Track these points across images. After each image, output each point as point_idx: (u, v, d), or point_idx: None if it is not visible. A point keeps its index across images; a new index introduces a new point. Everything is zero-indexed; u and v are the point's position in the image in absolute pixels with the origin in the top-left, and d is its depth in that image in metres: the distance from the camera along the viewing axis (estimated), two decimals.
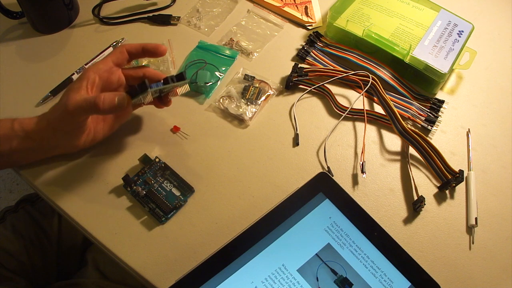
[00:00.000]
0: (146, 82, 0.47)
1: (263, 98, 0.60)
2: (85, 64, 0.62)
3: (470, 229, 0.52)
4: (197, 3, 0.72)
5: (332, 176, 0.54)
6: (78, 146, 0.51)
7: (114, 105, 0.46)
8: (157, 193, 0.51)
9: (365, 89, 0.59)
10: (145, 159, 0.53)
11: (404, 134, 0.55)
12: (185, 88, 0.53)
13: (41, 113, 0.58)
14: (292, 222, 0.48)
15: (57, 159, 0.53)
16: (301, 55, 0.65)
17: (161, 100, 0.53)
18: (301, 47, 0.66)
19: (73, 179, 0.52)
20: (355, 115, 0.60)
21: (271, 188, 0.53)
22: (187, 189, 0.52)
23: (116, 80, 0.51)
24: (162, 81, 0.49)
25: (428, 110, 0.60)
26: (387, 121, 0.58)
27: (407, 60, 0.61)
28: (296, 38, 0.68)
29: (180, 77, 0.49)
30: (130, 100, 0.47)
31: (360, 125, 0.59)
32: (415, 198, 0.52)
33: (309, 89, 0.62)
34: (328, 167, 0.55)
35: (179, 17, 0.69)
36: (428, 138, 0.55)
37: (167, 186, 0.52)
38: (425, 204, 0.53)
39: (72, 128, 0.49)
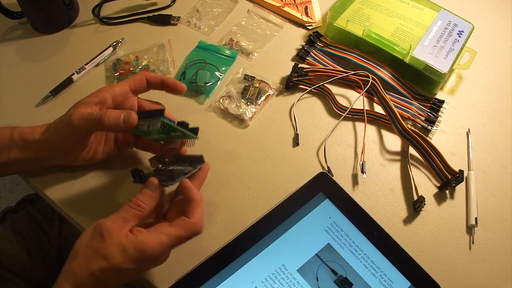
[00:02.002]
0: (162, 111, 0.45)
1: (263, 98, 0.60)
2: (85, 64, 0.62)
3: (470, 229, 0.52)
4: (197, 3, 0.72)
5: (332, 176, 0.54)
6: (76, 161, 0.50)
7: (119, 122, 0.45)
8: None
9: (365, 89, 0.59)
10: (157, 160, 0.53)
11: (404, 134, 0.55)
12: (192, 142, 0.49)
13: (41, 113, 0.58)
14: (292, 222, 0.48)
15: None
16: (301, 55, 0.65)
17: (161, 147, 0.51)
18: (301, 47, 0.66)
19: (73, 179, 0.52)
20: (355, 115, 0.60)
21: (271, 188, 0.53)
22: None
23: (129, 106, 0.50)
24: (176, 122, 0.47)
25: (428, 110, 0.60)
26: (387, 121, 0.58)
27: (407, 60, 0.61)
28: (296, 38, 0.68)
29: (194, 130, 0.48)
30: (137, 120, 0.45)
31: (360, 125, 0.59)
32: (415, 198, 0.52)
33: (309, 89, 0.62)
34: (328, 167, 0.55)
35: (179, 17, 0.69)
36: (428, 138, 0.55)
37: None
38: (425, 204, 0.53)
39: (73, 141, 0.47)
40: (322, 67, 0.64)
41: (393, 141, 0.58)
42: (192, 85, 0.61)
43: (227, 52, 0.65)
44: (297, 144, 0.57)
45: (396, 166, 0.56)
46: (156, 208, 0.45)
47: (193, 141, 0.49)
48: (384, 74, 0.62)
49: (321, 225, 0.48)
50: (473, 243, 0.51)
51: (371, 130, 0.59)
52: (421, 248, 0.50)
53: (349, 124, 0.60)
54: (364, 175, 0.54)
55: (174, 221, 0.43)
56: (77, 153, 0.50)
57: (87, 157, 0.50)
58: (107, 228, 0.40)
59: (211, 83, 0.61)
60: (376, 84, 0.59)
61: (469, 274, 0.49)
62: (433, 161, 0.54)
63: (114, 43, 0.65)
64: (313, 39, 0.67)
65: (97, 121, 0.44)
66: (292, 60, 0.66)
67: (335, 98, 0.60)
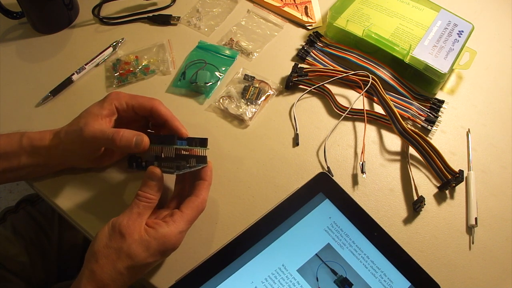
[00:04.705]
0: (175, 137, 0.45)
1: (263, 98, 0.60)
2: (85, 64, 0.62)
3: (470, 229, 0.52)
4: (197, 3, 0.72)
5: (332, 176, 0.54)
6: (86, 165, 0.51)
7: (131, 145, 0.45)
8: None
9: (365, 89, 0.59)
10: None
11: (404, 134, 0.55)
12: (202, 152, 0.49)
13: (41, 113, 0.58)
14: (292, 222, 0.48)
15: None
16: (301, 55, 0.65)
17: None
18: (301, 47, 0.66)
19: (73, 179, 0.52)
20: (355, 115, 0.60)
21: (271, 188, 0.53)
22: None
23: (137, 118, 0.51)
24: (186, 140, 0.47)
25: (428, 110, 0.60)
26: (387, 121, 0.58)
27: (407, 60, 0.61)
28: (296, 38, 0.68)
29: (203, 143, 0.48)
30: (148, 145, 0.46)
31: (360, 125, 0.59)
32: (415, 198, 0.52)
33: (309, 89, 0.62)
34: (328, 167, 0.55)
35: (179, 17, 0.69)
36: (428, 138, 0.55)
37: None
38: (425, 204, 0.53)
39: (85, 152, 0.48)
40: (322, 67, 0.64)
41: (393, 141, 0.58)
42: (192, 85, 0.61)
43: (227, 52, 0.65)
44: (297, 144, 0.57)
45: (396, 166, 0.56)
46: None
47: (204, 151, 0.49)
48: (384, 74, 0.62)
49: (321, 225, 0.48)
50: (473, 243, 0.51)
51: (371, 130, 0.59)
52: (421, 248, 0.50)
53: (349, 124, 0.60)
54: (364, 175, 0.54)
55: (183, 205, 0.44)
56: (86, 158, 0.50)
57: (95, 161, 0.51)
58: (125, 226, 0.41)
59: (211, 83, 0.61)
60: (376, 84, 0.59)
61: (469, 274, 0.49)
62: (433, 161, 0.54)
63: (114, 43, 0.65)
64: (313, 39, 0.67)
65: (108, 141, 0.45)
66: (292, 60, 0.66)
67: (335, 98, 0.60)
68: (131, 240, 0.40)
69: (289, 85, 0.61)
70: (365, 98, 0.61)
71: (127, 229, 0.41)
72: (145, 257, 0.41)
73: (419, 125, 0.59)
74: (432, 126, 0.59)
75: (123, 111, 0.48)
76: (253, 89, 0.60)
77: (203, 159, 0.48)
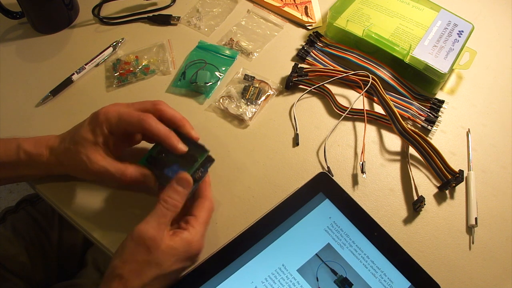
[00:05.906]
0: (177, 169, 0.45)
1: (263, 98, 0.60)
2: (85, 64, 0.62)
3: (470, 229, 0.52)
4: (197, 3, 0.72)
5: (332, 176, 0.54)
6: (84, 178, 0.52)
7: (140, 181, 0.46)
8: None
9: (365, 89, 0.59)
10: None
11: (404, 134, 0.55)
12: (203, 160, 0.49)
13: (41, 113, 0.58)
14: (292, 222, 0.48)
15: None
16: (301, 55, 0.65)
17: None
18: (301, 47, 0.66)
19: (73, 178, 0.52)
20: (355, 115, 0.60)
21: (271, 188, 0.53)
22: None
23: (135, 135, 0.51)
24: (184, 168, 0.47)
25: (428, 110, 0.60)
26: (387, 121, 0.58)
27: (407, 60, 0.61)
28: (296, 38, 0.68)
29: (203, 148, 0.48)
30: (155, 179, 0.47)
31: (360, 125, 0.59)
32: (415, 198, 0.52)
33: (309, 89, 0.62)
34: (328, 167, 0.55)
35: (179, 17, 0.69)
36: (428, 138, 0.55)
37: None
38: (425, 204, 0.53)
39: (88, 177, 0.49)
40: (322, 67, 0.64)
41: (393, 141, 0.58)
42: (192, 85, 0.61)
43: (227, 52, 0.65)
44: (297, 144, 0.57)
45: (396, 166, 0.56)
46: None
47: (204, 154, 0.49)
48: (384, 74, 0.62)
49: (321, 225, 0.48)
50: (473, 243, 0.51)
51: (371, 130, 0.59)
52: (421, 248, 0.50)
53: (349, 124, 0.60)
54: (364, 175, 0.54)
55: (194, 209, 0.45)
56: (85, 176, 0.50)
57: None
58: (150, 237, 0.40)
59: (211, 83, 0.61)
60: (376, 84, 0.59)
61: (469, 274, 0.49)
62: (433, 161, 0.54)
63: (114, 43, 0.65)
64: (313, 39, 0.67)
65: (116, 180, 0.46)
66: (292, 60, 0.66)
67: (335, 98, 0.60)
68: (158, 251, 0.40)
69: (289, 85, 0.61)
70: (365, 98, 0.61)
71: (154, 241, 0.40)
72: (171, 263, 0.41)
73: (419, 125, 0.59)
74: (432, 126, 0.59)
75: (116, 131, 0.47)
76: (253, 89, 0.60)
77: (205, 163, 0.49)
